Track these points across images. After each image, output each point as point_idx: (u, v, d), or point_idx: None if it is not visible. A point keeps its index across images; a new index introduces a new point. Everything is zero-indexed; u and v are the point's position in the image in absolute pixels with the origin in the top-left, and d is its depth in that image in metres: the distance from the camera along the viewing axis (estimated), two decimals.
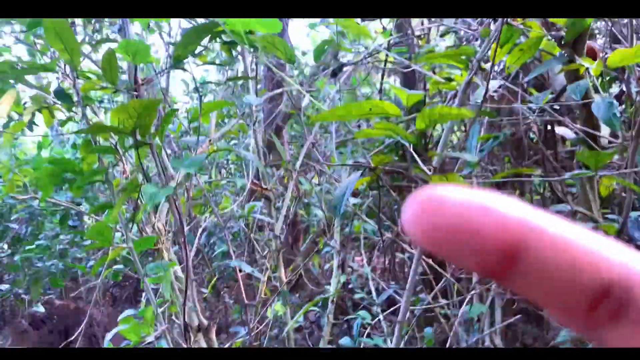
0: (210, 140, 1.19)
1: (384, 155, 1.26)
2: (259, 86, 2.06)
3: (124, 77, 1.13)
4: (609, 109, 0.95)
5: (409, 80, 1.76)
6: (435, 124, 0.89)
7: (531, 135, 1.45)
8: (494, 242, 0.13)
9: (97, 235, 0.93)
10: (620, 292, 0.13)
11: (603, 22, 1.55)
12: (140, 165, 0.91)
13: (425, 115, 0.83)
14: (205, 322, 0.96)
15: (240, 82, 1.63)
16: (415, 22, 1.66)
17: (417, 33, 1.54)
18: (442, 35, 1.66)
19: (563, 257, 0.13)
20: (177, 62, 0.95)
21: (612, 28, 1.39)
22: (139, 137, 0.89)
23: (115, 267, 1.16)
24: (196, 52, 0.98)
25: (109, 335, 1.00)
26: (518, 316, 1.27)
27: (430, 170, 0.92)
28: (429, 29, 1.58)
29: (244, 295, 0.94)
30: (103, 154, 1.00)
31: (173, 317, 1.10)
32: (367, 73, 1.65)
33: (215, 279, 1.30)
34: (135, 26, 1.32)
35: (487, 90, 0.82)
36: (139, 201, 1.03)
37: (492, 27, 1.03)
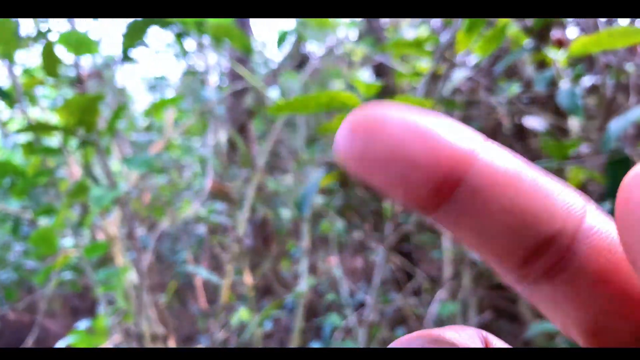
0: (166, 139, 1.13)
1: None
2: (223, 82, 1.99)
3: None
4: (572, 98, 0.93)
5: (381, 72, 1.73)
6: None
7: (504, 127, 1.44)
8: (428, 172, 0.11)
9: (41, 242, 0.86)
10: (564, 245, 0.11)
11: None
12: (86, 165, 0.85)
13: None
14: (161, 330, 0.90)
15: (200, 77, 1.56)
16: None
17: (385, 24, 1.51)
18: (413, 26, 1.63)
19: (507, 197, 0.11)
20: (126, 54, 0.89)
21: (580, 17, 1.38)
22: (83, 136, 0.82)
23: (65, 275, 1.08)
24: (144, 43, 0.92)
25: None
26: (490, 313, 1.25)
27: None
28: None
29: (202, 303, 0.88)
30: (47, 155, 0.93)
31: (130, 327, 1.03)
32: (332, 67, 1.61)
33: (175, 285, 1.24)
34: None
35: (445, 79, 0.78)
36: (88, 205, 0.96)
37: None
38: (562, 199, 0.12)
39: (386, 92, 1.57)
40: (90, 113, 0.79)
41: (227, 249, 1.10)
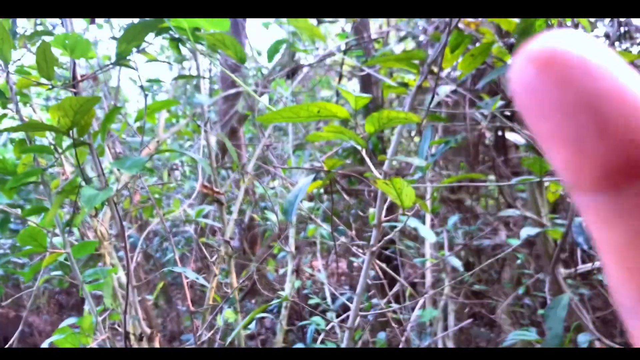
0: (158, 141, 1.15)
1: (337, 159, 1.24)
2: (215, 86, 2.01)
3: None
4: None
5: (368, 84, 1.76)
6: (384, 128, 0.88)
7: (487, 141, 1.48)
8: (630, 143, 0.10)
9: (30, 240, 0.87)
10: None
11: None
12: (79, 166, 0.86)
13: (374, 118, 0.82)
14: (148, 330, 0.92)
15: (194, 81, 1.58)
16: (373, 25, 1.66)
17: (374, 37, 1.55)
18: (400, 40, 1.67)
19: None
20: (120, 58, 0.91)
21: None
22: (76, 136, 0.84)
23: (53, 273, 1.10)
24: (141, 47, 0.94)
25: (43, 346, 0.94)
26: (470, 320, 1.28)
27: (381, 174, 0.92)
28: (387, 32, 1.59)
29: (189, 302, 0.90)
30: (39, 154, 0.94)
31: (116, 326, 1.05)
32: (322, 76, 1.64)
33: (161, 285, 1.25)
34: (79, 21, 1.26)
35: (433, 94, 0.81)
36: (78, 204, 0.97)
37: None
38: None
39: (371, 102, 1.60)
40: (84, 115, 0.81)
41: (214, 251, 1.12)
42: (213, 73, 2.01)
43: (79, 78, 0.84)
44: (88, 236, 1.07)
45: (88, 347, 0.94)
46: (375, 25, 1.67)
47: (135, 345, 0.92)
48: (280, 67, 1.40)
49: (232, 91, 1.33)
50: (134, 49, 0.92)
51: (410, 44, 1.70)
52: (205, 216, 1.35)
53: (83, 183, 0.88)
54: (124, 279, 1.04)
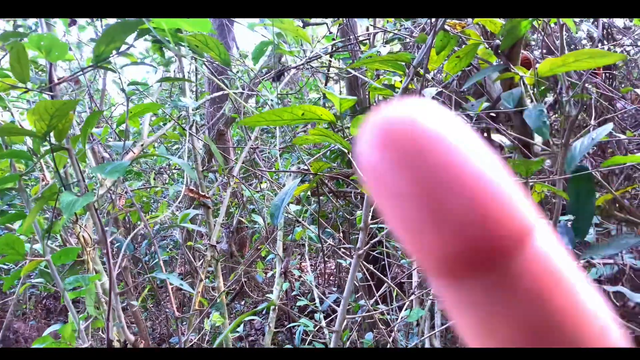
0: (142, 145, 1.13)
1: (324, 162, 1.23)
2: (202, 89, 2.00)
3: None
4: (539, 117, 0.97)
5: (354, 86, 1.76)
6: None
7: None
8: (479, 229, 0.09)
9: (6, 248, 0.86)
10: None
11: (538, 34, 1.60)
12: (57, 171, 0.85)
13: (360, 121, 0.81)
14: (131, 337, 0.91)
15: (180, 85, 1.57)
16: (359, 27, 1.66)
17: (361, 39, 1.54)
18: (387, 42, 1.66)
19: (552, 295, 0.10)
20: (98, 60, 0.89)
21: (546, 39, 1.44)
22: (54, 141, 0.82)
23: (34, 280, 1.08)
24: (122, 50, 0.92)
25: None
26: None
27: None
28: (374, 35, 1.59)
29: (174, 308, 0.89)
30: (16, 160, 0.92)
31: (100, 333, 1.03)
32: (308, 78, 1.63)
33: (148, 289, 1.24)
34: (60, 23, 1.24)
35: (419, 96, 0.81)
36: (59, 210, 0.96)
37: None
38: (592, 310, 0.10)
39: (358, 104, 1.60)
40: (61, 119, 0.80)
41: (202, 255, 1.11)
42: (199, 76, 1.99)
43: (55, 81, 0.82)
44: (70, 242, 1.05)
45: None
46: (362, 27, 1.67)
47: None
48: (267, 70, 1.39)
49: (219, 94, 1.32)
50: (114, 51, 0.91)
51: (396, 47, 1.70)
52: (193, 220, 1.33)
53: (63, 189, 0.87)
54: (108, 285, 1.02)
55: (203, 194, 1.18)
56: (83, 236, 1.05)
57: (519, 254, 0.10)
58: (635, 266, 0.96)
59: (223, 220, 1.20)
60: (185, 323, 1.13)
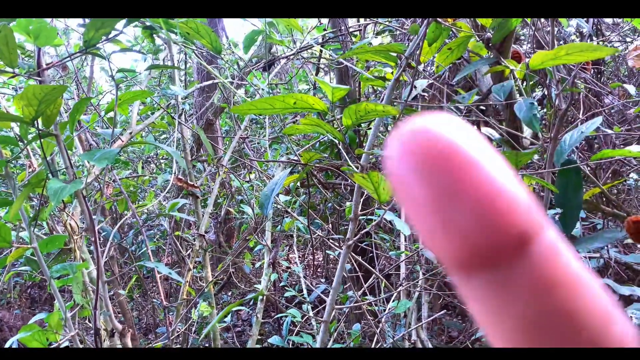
0: (131, 133, 1.12)
1: (314, 152, 1.23)
2: (192, 78, 1.98)
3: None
4: (529, 110, 0.97)
5: (345, 77, 1.75)
6: (362, 121, 0.88)
7: None
8: (498, 226, 0.10)
9: None
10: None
11: (529, 29, 1.61)
12: (45, 158, 0.83)
13: (352, 111, 0.81)
14: (119, 326, 0.90)
15: (169, 73, 1.55)
16: (350, 19, 1.65)
17: (352, 30, 1.54)
18: (377, 34, 1.66)
19: (563, 290, 0.11)
20: (88, 46, 0.88)
21: (536, 34, 1.45)
22: (41, 127, 0.81)
23: (21, 268, 1.06)
24: (112, 36, 0.91)
25: (9, 343, 0.91)
26: (443, 311, 1.29)
27: (358, 168, 0.91)
28: (365, 26, 1.58)
29: (162, 297, 0.89)
30: (2, 145, 0.91)
31: (87, 322, 1.03)
32: (299, 68, 1.62)
33: (135, 278, 1.23)
34: None
35: (411, 87, 0.81)
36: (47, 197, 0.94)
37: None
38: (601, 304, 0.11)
39: (348, 95, 1.59)
40: (49, 104, 0.78)
41: (190, 244, 1.10)
42: (189, 64, 1.97)
43: (44, 66, 0.81)
44: (57, 230, 1.04)
45: (57, 344, 0.91)
46: (353, 18, 1.66)
47: (107, 341, 0.90)
48: (257, 59, 1.38)
49: (208, 83, 1.31)
50: (104, 37, 0.89)
51: (387, 39, 1.70)
52: (181, 209, 1.32)
53: (50, 176, 0.85)
54: (95, 274, 1.01)
55: (191, 183, 1.17)
56: (70, 224, 1.04)
57: (523, 253, 0.11)
58: (621, 260, 0.98)
59: (211, 210, 1.19)
60: (172, 313, 1.12)
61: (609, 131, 1.06)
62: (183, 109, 1.19)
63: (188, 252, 1.04)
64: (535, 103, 0.94)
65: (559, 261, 0.11)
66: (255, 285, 1.30)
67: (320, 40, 1.36)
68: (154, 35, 1.08)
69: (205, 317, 1.21)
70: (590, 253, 1.02)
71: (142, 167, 1.65)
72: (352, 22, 1.68)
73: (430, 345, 1.28)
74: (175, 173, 1.16)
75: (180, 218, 1.28)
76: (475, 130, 0.11)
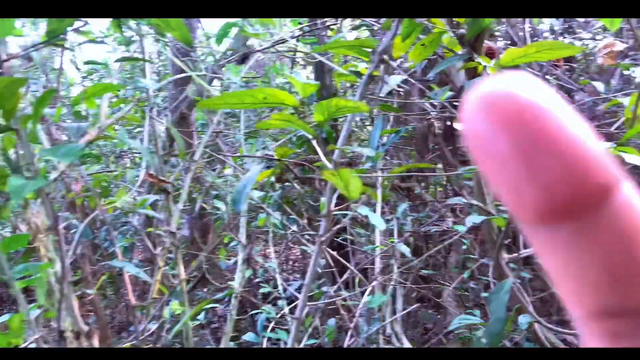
0: (100, 127, 1.09)
1: (290, 148, 1.22)
2: (167, 70, 1.94)
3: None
4: None
5: (321, 72, 1.74)
6: (334, 117, 0.87)
7: (436, 130, 1.50)
8: (574, 180, 0.11)
9: None
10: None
11: (504, 26, 1.63)
12: (5, 153, 0.80)
13: (323, 107, 0.80)
14: (84, 327, 0.88)
15: (142, 65, 1.51)
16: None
17: (328, 24, 1.52)
18: (354, 29, 1.65)
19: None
20: (52, 36, 0.85)
21: (510, 31, 1.46)
22: (1, 121, 0.78)
23: None
24: (77, 26, 0.88)
25: None
26: (417, 305, 1.30)
27: (332, 163, 0.90)
28: (341, 20, 1.57)
29: (130, 297, 0.87)
30: None
31: (52, 323, 1.00)
32: (274, 61, 1.61)
33: (107, 276, 1.20)
34: None
35: (383, 83, 0.81)
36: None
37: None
38: None
39: (325, 90, 1.59)
40: (8, 98, 0.75)
41: (160, 242, 1.08)
42: (163, 57, 1.93)
43: (3, 58, 0.78)
44: (21, 229, 1.00)
45: (20, 347, 0.88)
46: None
47: (73, 343, 0.88)
48: (232, 52, 1.36)
49: (182, 75, 1.28)
50: (68, 27, 0.86)
51: (364, 33, 1.69)
52: (153, 205, 1.30)
53: (11, 172, 0.82)
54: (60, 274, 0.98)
55: (163, 179, 1.15)
56: (35, 222, 1.00)
57: (605, 203, 0.11)
58: None
59: (185, 206, 1.17)
60: (144, 312, 1.10)
61: None
62: (154, 102, 1.16)
63: (159, 250, 1.02)
64: None
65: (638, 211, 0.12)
66: (230, 282, 1.29)
67: (296, 34, 1.34)
68: (122, 26, 1.05)
69: (179, 316, 1.19)
70: None
71: (114, 162, 1.62)
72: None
73: (405, 339, 1.29)
74: (146, 168, 1.14)
75: (150, 215, 1.25)
76: (552, 89, 0.11)
